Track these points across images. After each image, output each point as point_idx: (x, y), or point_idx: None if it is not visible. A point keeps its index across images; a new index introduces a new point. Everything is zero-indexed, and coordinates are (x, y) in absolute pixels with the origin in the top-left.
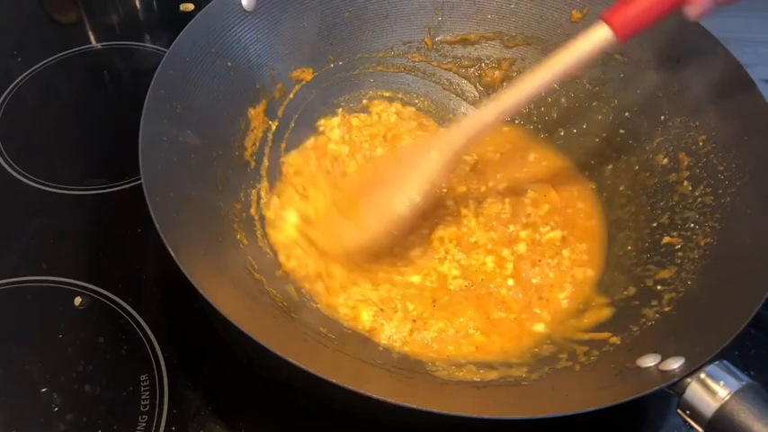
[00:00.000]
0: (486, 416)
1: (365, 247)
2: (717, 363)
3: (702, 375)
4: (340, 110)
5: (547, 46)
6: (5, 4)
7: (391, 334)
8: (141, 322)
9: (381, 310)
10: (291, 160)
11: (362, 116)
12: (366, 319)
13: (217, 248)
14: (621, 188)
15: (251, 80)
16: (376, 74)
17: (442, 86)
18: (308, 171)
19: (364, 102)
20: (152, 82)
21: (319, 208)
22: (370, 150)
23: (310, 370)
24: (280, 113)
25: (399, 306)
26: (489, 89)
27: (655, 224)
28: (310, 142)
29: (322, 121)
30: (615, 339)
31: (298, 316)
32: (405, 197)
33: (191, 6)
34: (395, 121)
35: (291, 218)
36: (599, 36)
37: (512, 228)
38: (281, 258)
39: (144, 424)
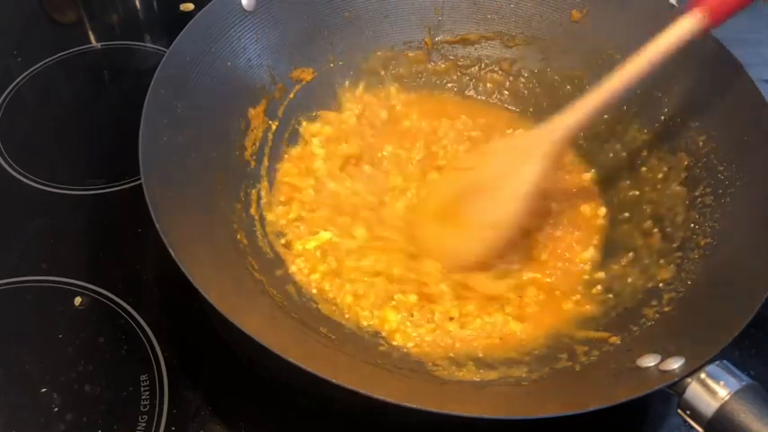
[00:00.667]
0: (486, 416)
1: (475, 255)
2: (717, 363)
3: (702, 375)
4: (332, 112)
5: (547, 46)
6: (5, 4)
7: (414, 336)
8: (141, 322)
9: (412, 315)
10: (285, 169)
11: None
12: (393, 320)
13: (217, 248)
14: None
15: (251, 80)
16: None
17: None
18: (305, 191)
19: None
20: (152, 82)
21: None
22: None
23: (310, 370)
24: (280, 113)
25: (437, 316)
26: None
27: (656, 224)
28: (296, 151)
29: (309, 127)
30: (615, 339)
31: (298, 316)
32: (510, 204)
33: (191, 6)
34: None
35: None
36: (689, 22)
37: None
38: (293, 267)
39: (144, 424)
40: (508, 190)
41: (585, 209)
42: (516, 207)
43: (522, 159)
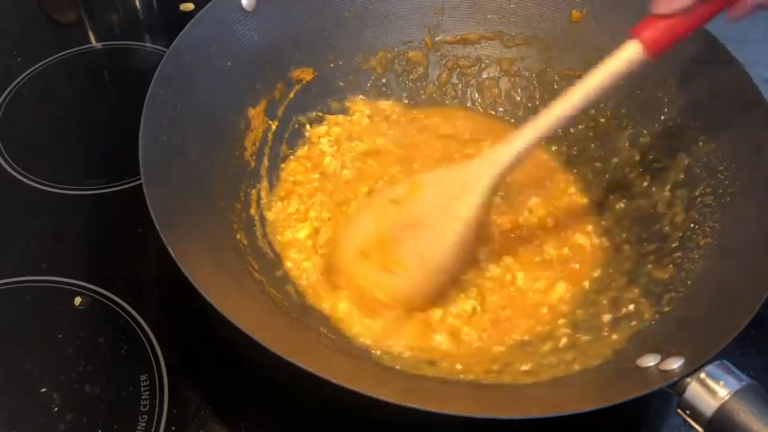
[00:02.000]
0: (485, 416)
1: (417, 296)
2: (717, 363)
3: (702, 375)
4: (339, 115)
5: (547, 45)
6: (5, 4)
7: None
8: (141, 322)
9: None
10: (291, 168)
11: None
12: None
13: (217, 248)
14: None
15: (251, 80)
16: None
17: None
18: (308, 185)
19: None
20: (152, 82)
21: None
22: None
23: (310, 370)
24: (280, 113)
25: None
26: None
27: (655, 225)
28: (303, 151)
29: (316, 129)
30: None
31: (298, 316)
32: (452, 237)
33: (191, 6)
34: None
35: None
36: (628, 53)
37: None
38: (288, 263)
39: (144, 424)
40: (448, 227)
41: None
42: (457, 243)
43: (460, 193)
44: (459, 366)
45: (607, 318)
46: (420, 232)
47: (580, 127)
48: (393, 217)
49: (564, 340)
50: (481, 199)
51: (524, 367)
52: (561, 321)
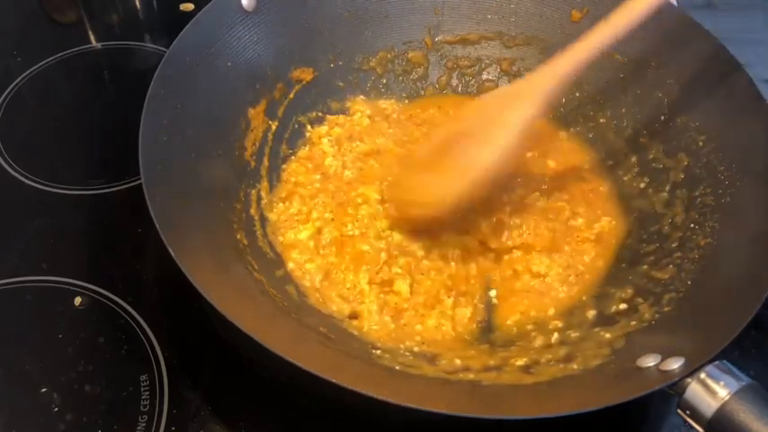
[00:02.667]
0: (486, 415)
1: (440, 203)
2: (717, 363)
3: (702, 375)
4: (339, 115)
5: (547, 46)
6: (5, 4)
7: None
8: (141, 322)
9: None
10: (292, 169)
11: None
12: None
13: (217, 248)
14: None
15: (251, 80)
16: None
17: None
18: (310, 186)
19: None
20: (152, 82)
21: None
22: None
23: (310, 370)
24: (280, 113)
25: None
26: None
27: (655, 225)
28: (304, 152)
29: (317, 129)
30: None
31: (298, 316)
32: (490, 150)
33: (191, 6)
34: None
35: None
36: None
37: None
38: (290, 263)
39: (144, 424)
40: (492, 134)
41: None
42: (499, 151)
43: (508, 106)
44: (458, 362)
45: (591, 314)
46: (471, 139)
47: (578, 128)
48: (449, 130)
49: (555, 335)
50: (530, 109)
51: (520, 362)
52: (551, 312)
